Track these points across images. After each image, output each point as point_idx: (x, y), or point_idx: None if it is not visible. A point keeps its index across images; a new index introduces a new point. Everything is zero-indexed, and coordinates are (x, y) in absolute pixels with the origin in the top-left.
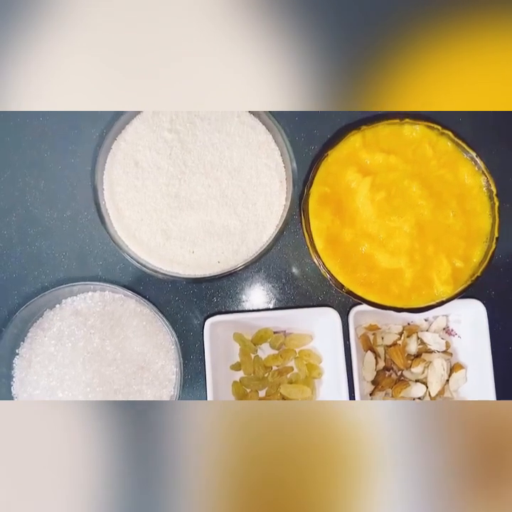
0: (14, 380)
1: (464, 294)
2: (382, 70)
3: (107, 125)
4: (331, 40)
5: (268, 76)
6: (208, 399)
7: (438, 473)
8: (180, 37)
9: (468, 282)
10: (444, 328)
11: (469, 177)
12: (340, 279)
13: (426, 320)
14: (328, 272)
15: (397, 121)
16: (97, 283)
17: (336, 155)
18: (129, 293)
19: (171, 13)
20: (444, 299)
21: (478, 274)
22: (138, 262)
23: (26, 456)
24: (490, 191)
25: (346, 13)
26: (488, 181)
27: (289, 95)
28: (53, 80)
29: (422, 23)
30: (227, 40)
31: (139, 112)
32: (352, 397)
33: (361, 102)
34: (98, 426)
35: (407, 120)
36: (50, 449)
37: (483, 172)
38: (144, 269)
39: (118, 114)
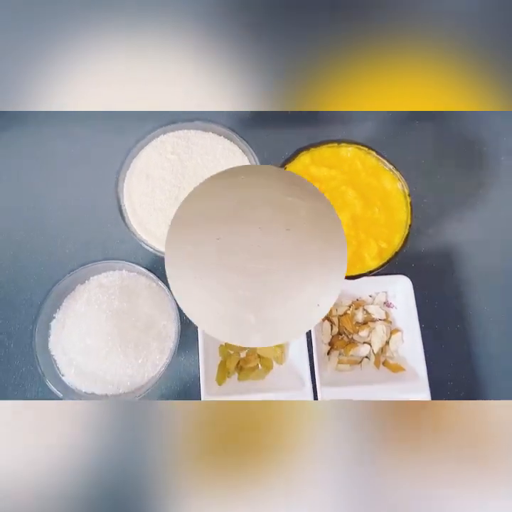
0: (50, 337)
1: (397, 272)
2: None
3: (127, 150)
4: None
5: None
6: (200, 360)
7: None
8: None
9: (390, 257)
10: (384, 302)
11: (389, 183)
12: None
13: (370, 296)
14: None
15: (336, 144)
16: (117, 260)
17: (292, 169)
18: (142, 270)
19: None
20: (372, 269)
21: (397, 250)
22: (148, 247)
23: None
24: (404, 192)
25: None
26: (402, 185)
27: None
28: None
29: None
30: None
31: (151, 141)
32: (311, 356)
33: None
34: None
35: (343, 144)
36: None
37: (399, 179)
38: (153, 251)
39: (136, 142)
